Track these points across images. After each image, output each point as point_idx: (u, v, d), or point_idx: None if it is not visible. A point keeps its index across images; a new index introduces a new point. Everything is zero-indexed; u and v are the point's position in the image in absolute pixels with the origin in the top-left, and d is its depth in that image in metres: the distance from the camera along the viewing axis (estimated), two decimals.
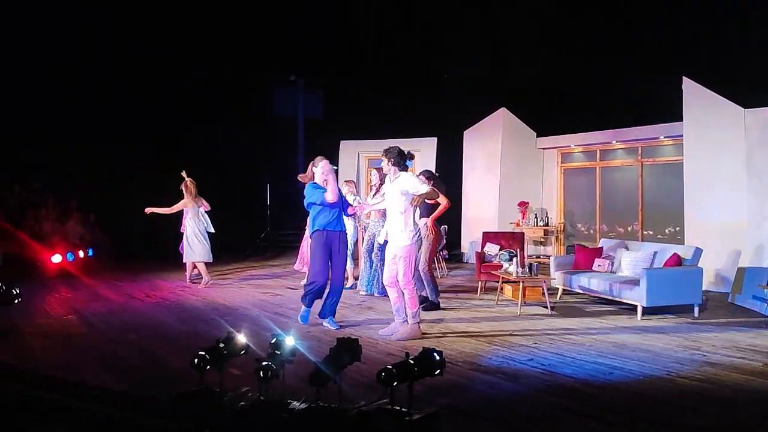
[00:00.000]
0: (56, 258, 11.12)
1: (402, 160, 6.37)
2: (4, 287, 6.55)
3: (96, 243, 12.71)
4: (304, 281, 7.24)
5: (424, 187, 6.28)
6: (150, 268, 11.19)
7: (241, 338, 4.21)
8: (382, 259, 7.45)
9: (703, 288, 7.64)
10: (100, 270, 11.42)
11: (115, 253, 12.73)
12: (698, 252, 7.69)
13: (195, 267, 9.94)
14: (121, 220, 13.28)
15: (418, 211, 6.40)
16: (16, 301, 6.66)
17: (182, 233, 9.87)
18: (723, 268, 8.95)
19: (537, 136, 13.15)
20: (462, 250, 13.27)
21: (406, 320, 6.33)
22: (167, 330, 6.77)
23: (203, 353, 3.98)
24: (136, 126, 15.16)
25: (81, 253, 11.83)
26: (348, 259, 8.89)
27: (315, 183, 6.83)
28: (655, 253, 7.86)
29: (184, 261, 9.95)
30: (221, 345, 4.08)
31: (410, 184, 6.24)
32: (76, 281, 10.29)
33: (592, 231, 12.34)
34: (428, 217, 7.92)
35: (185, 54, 15.86)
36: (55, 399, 4.45)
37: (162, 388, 4.52)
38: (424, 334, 6.36)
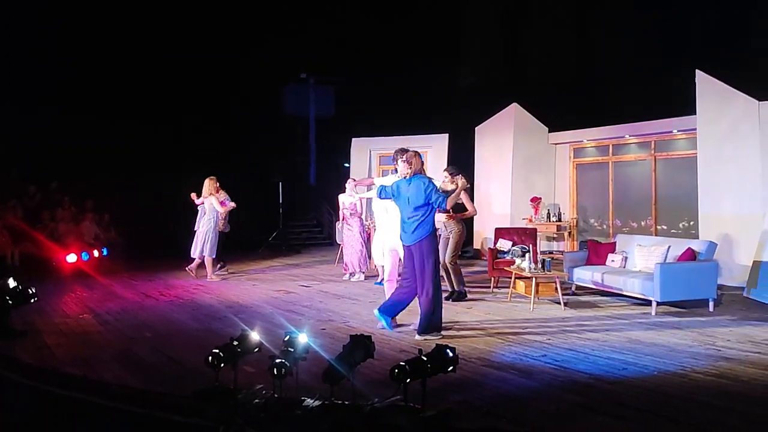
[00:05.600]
0: (71, 257, 11.24)
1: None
2: (20, 287, 6.62)
3: (110, 242, 12.84)
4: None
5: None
6: (163, 268, 11.27)
7: (255, 336, 4.25)
8: None
9: (718, 282, 7.58)
10: (115, 269, 11.51)
11: (128, 253, 12.83)
12: (712, 246, 7.64)
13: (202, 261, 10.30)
14: (134, 220, 13.40)
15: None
16: (32, 301, 6.74)
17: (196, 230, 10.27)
18: (738, 262, 8.87)
19: (549, 132, 13.08)
20: (474, 246, 13.25)
21: None
22: (182, 328, 6.82)
23: (217, 351, 4.02)
24: (149, 128, 15.27)
25: (96, 253, 11.97)
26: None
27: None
28: (669, 247, 7.81)
29: (199, 256, 10.25)
30: (235, 343, 4.12)
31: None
32: (91, 280, 10.38)
33: (605, 226, 12.27)
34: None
35: (195, 54, 15.94)
36: (74, 397, 4.50)
37: (178, 386, 4.57)
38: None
